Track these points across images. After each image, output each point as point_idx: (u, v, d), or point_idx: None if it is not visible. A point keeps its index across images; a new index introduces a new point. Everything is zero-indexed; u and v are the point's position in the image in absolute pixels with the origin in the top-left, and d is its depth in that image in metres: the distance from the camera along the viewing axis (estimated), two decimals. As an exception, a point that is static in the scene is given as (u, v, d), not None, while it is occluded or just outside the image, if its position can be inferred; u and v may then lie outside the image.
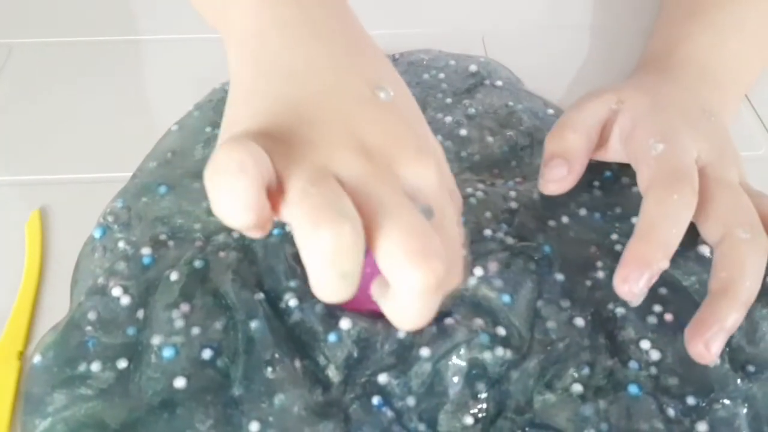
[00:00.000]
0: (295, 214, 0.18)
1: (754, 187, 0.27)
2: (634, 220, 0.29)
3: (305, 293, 0.25)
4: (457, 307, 0.25)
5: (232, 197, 0.17)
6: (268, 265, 0.26)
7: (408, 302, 0.18)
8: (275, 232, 0.27)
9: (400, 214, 0.18)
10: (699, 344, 0.22)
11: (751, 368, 0.24)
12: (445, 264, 0.18)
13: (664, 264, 0.22)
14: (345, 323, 0.24)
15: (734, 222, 0.23)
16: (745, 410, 0.23)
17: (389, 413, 0.23)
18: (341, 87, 0.21)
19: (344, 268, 0.17)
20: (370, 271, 0.23)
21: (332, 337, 0.24)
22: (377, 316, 0.25)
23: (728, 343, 0.24)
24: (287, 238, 0.27)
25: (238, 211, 0.17)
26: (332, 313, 0.24)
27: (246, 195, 0.17)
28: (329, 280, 0.18)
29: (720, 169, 0.25)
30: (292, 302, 0.25)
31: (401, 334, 0.24)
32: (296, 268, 0.26)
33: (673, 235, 0.22)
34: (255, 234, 0.19)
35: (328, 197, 0.18)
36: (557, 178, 0.26)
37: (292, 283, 0.25)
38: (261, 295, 0.25)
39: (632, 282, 0.22)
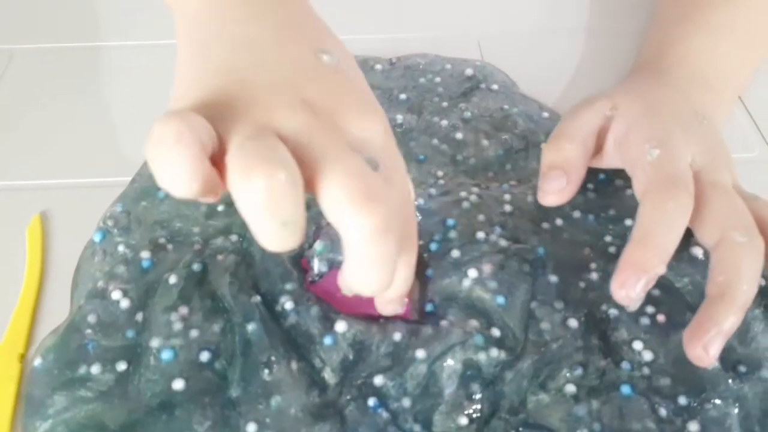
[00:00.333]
0: (230, 168, 0.18)
1: (746, 190, 0.27)
2: (628, 222, 0.29)
3: (301, 296, 0.25)
4: (451, 309, 0.26)
5: (174, 168, 0.17)
6: (264, 267, 0.26)
7: (359, 251, 0.18)
8: None
9: (341, 160, 0.18)
10: (698, 347, 0.22)
11: (742, 368, 0.25)
12: (390, 209, 0.18)
13: (661, 269, 0.22)
14: (340, 326, 0.24)
15: (730, 225, 0.23)
16: (736, 410, 0.24)
17: (385, 414, 0.24)
18: (284, 53, 0.21)
19: (283, 216, 0.17)
20: None
21: (328, 340, 0.24)
22: (372, 319, 0.25)
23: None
24: None
25: (181, 180, 0.17)
26: (327, 315, 0.25)
27: (187, 164, 0.17)
28: (270, 229, 0.17)
29: (714, 172, 0.26)
30: (288, 305, 0.25)
31: (397, 336, 0.25)
32: (293, 271, 0.26)
33: (670, 240, 0.22)
34: (207, 200, 0.18)
35: (262, 148, 0.17)
36: (556, 190, 0.26)
37: (288, 286, 0.26)
38: (258, 298, 0.25)
39: (629, 287, 0.22)
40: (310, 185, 0.18)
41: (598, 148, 0.28)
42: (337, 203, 0.18)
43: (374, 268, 0.19)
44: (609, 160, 0.28)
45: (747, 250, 0.23)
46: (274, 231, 0.17)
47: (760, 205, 0.25)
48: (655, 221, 0.23)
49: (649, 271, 0.22)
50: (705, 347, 0.22)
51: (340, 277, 0.20)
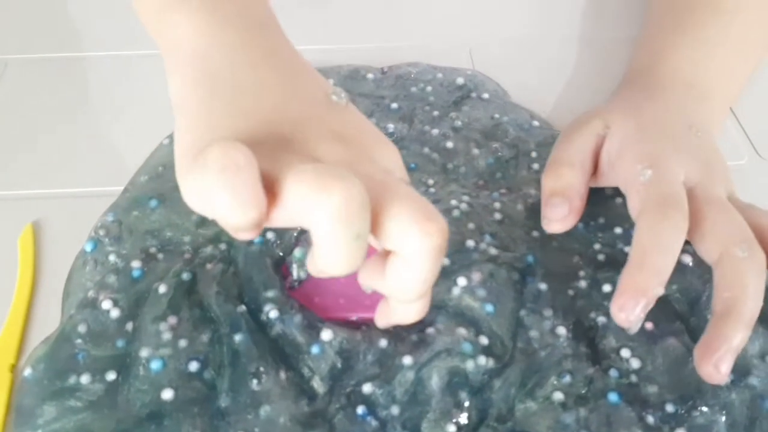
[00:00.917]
0: (299, 191, 0.17)
1: (741, 199, 0.27)
2: (617, 230, 0.29)
3: (284, 304, 0.25)
4: (440, 317, 0.26)
5: (235, 194, 0.17)
6: (247, 274, 0.26)
7: (419, 267, 0.19)
8: (256, 240, 0.27)
9: (396, 186, 0.19)
10: (709, 366, 0.22)
11: (729, 376, 0.25)
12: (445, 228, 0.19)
13: (660, 291, 0.22)
14: (326, 335, 0.25)
15: (730, 241, 0.23)
16: (723, 418, 0.24)
17: (374, 422, 0.24)
18: (300, 93, 0.22)
19: (357, 228, 0.17)
20: (344, 281, 0.23)
21: (315, 349, 0.24)
22: (353, 325, 0.25)
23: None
24: (267, 247, 0.27)
25: (242, 208, 0.17)
26: (312, 324, 0.25)
27: (248, 191, 0.17)
28: (344, 243, 0.17)
29: (709, 187, 0.26)
30: (273, 314, 0.25)
31: (383, 343, 0.25)
32: (275, 277, 0.26)
33: (667, 261, 0.23)
34: (250, 235, 0.18)
35: (327, 167, 0.18)
36: (560, 217, 0.26)
37: (270, 293, 0.26)
38: (243, 308, 0.26)
39: (629, 310, 0.22)
40: None
41: (595, 168, 0.28)
42: (403, 225, 0.18)
43: (429, 283, 0.19)
44: (605, 180, 0.28)
45: (749, 264, 0.23)
46: (348, 245, 0.17)
47: (755, 213, 0.25)
48: (651, 243, 0.23)
49: (648, 294, 0.22)
50: (716, 365, 0.22)
51: (379, 285, 0.20)
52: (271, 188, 0.18)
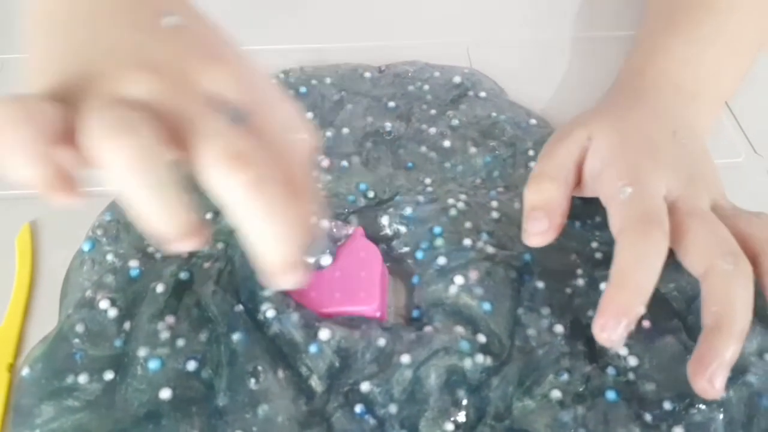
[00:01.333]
0: (90, 142, 0.17)
1: (730, 204, 0.27)
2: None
3: (281, 303, 0.25)
4: (437, 315, 0.26)
5: (9, 152, 0.17)
6: (244, 273, 0.26)
7: (243, 211, 0.18)
8: None
9: (199, 120, 0.18)
10: (702, 381, 0.22)
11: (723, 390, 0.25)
12: (263, 160, 0.18)
13: (641, 310, 0.22)
14: (324, 334, 0.25)
15: (715, 254, 0.23)
16: (721, 415, 0.24)
17: (372, 421, 0.24)
18: (121, 22, 0.21)
19: (154, 177, 0.17)
20: (340, 276, 0.23)
21: (313, 348, 0.25)
22: (351, 323, 0.25)
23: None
24: None
25: (18, 165, 0.17)
26: (310, 323, 0.25)
27: (24, 148, 0.17)
28: (146, 193, 0.17)
29: (691, 199, 0.25)
30: (270, 313, 0.25)
31: (381, 342, 0.25)
32: None
33: (648, 280, 0.23)
34: (60, 197, 0.18)
35: (117, 113, 0.17)
36: (539, 232, 0.26)
37: (267, 292, 0.26)
38: (240, 307, 0.26)
39: (611, 330, 0.22)
40: (178, 149, 0.18)
41: (579, 179, 0.28)
42: (206, 168, 0.18)
43: (265, 222, 0.18)
44: (588, 191, 0.28)
45: (736, 277, 0.23)
46: (152, 194, 0.17)
47: (742, 221, 0.25)
48: (631, 263, 0.23)
49: (630, 313, 0.22)
50: (710, 380, 0.22)
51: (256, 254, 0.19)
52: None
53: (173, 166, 0.18)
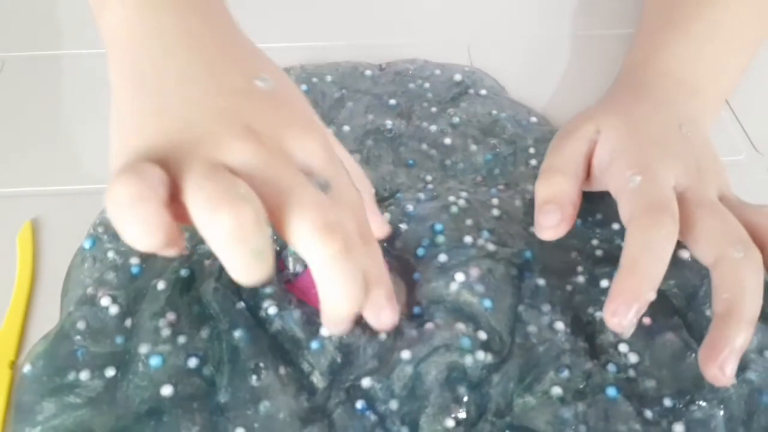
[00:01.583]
0: (194, 210, 0.18)
1: (735, 196, 0.27)
2: (614, 226, 0.29)
3: (282, 299, 0.25)
4: (438, 312, 0.26)
5: (136, 226, 0.18)
6: None
7: (329, 277, 0.20)
8: None
9: (296, 192, 0.19)
10: (714, 368, 0.22)
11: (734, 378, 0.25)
12: (348, 230, 0.20)
13: (651, 296, 0.22)
14: (326, 330, 0.25)
15: (725, 242, 0.23)
16: (721, 412, 0.24)
17: (372, 417, 0.24)
18: (219, 85, 0.21)
19: (253, 245, 0.18)
20: None
21: (315, 345, 0.25)
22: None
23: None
24: None
25: (144, 237, 0.18)
26: (311, 320, 0.25)
27: (148, 221, 0.18)
28: (241, 260, 0.18)
29: (699, 189, 0.26)
30: (272, 310, 0.25)
31: (382, 336, 0.25)
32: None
33: (658, 267, 0.23)
34: (170, 252, 0.19)
35: (221, 185, 0.18)
36: (553, 224, 0.26)
37: (268, 289, 0.26)
38: (242, 304, 0.26)
39: (621, 315, 0.22)
40: (270, 216, 0.19)
41: (587, 173, 0.28)
42: (300, 236, 0.19)
43: (345, 287, 0.20)
44: (597, 184, 0.28)
45: (746, 264, 0.23)
46: (246, 262, 0.18)
47: (748, 212, 0.25)
48: (642, 249, 0.23)
49: (640, 299, 0.22)
50: (721, 367, 0.22)
51: (321, 311, 0.21)
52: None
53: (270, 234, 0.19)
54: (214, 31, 0.23)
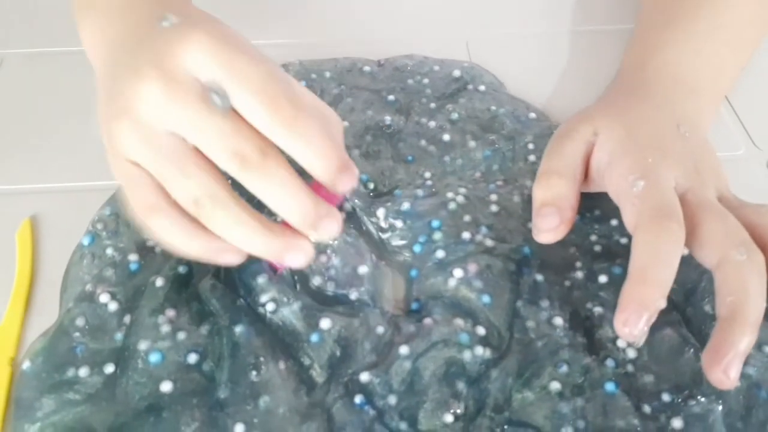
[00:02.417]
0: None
1: (734, 196, 0.27)
2: (613, 222, 0.29)
3: (280, 294, 0.25)
4: (436, 308, 0.26)
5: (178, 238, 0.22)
6: (240, 267, 0.26)
7: (258, 189, 0.22)
8: None
9: (202, 128, 0.21)
10: (718, 371, 0.22)
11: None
12: (244, 151, 0.21)
13: (662, 303, 0.22)
14: (325, 323, 0.25)
15: (728, 245, 0.23)
16: (719, 407, 0.24)
17: (371, 412, 0.24)
18: (136, 41, 0.24)
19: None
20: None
21: (314, 338, 0.25)
22: (351, 309, 0.25)
23: (703, 343, 0.24)
24: None
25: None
26: (311, 313, 0.25)
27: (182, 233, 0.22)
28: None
29: (700, 191, 0.25)
30: (270, 306, 0.25)
31: (380, 330, 0.25)
32: (264, 265, 0.26)
33: (667, 273, 0.23)
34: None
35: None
36: (551, 227, 0.26)
37: (263, 283, 0.26)
38: (241, 300, 0.26)
39: (632, 324, 0.22)
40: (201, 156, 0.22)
41: (585, 174, 0.28)
42: (222, 165, 0.22)
43: (272, 194, 0.22)
44: (595, 186, 0.28)
45: (749, 267, 0.23)
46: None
47: (748, 212, 0.25)
48: (650, 257, 0.23)
49: (650, 307, 0.22)
50: (725, 371, 0.22)
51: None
52: None
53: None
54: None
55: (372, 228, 0.29)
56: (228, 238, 0.22)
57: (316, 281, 0.26)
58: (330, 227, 0.22)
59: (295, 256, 0.22)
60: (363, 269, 0.27)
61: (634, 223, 0.24)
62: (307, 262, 0.23)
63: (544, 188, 0.26)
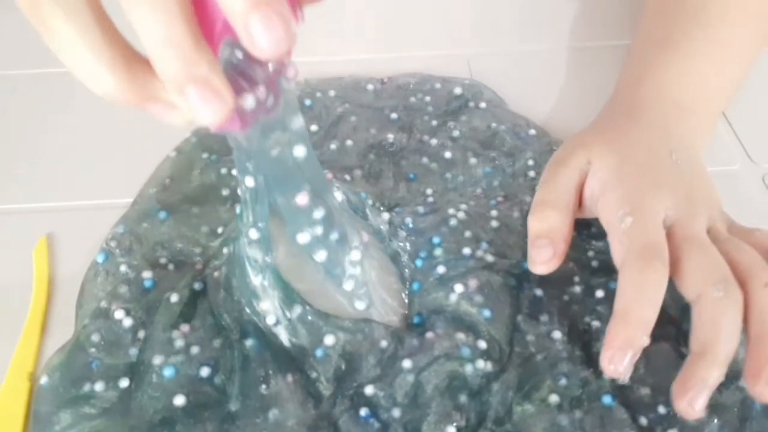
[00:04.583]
0: None
1: (724, 226, 0.27)
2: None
3: (286, 304, 0.26)
4: (438, 322, 0.27)
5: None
6: (241, 289, 0.27)
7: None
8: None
9: None
10: (683, 402, 0.23)
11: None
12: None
13: (645, 341, 0.23)
14: (329, 339, 0.26)
15: (707, 281, 0.24)
16: (715, 419, 0.25)
17: (376, 424, 0.25)
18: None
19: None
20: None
21: (319, 353, 0.26)
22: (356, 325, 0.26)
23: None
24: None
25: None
26: (316, 329, 0.26)
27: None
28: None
29: (688, 223, 0.26)
30: (270, 319, 0.26)
31: (383, 344, 0.26)
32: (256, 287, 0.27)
33: (651, 312, 0.23)
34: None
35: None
36: (545, 260, 0.26)
37: (265, 305, 0.26)
38: (250, 315, 0.27)
39: (618, 362, 0.23)
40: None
41: (580, 202, 0.29)
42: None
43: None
44: (589, 213, 0.28)
45: (725, 304, 0.24)
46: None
47: (732, 246, 0.26)
48: (634, 297, 0.24)
49: (635, 346, 0.23)
50: (690, 402, 0.23)
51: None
52: None
53: None
54: None
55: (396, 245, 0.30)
56: (58, 50, 0.16)
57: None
58: (210, 103, 0.16)
59: (160, 112, 0.17)
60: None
61: (620, 260, 0.25)
62: (183, 123, 0.17)
63: (538, 221, 0.27)
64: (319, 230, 0.24)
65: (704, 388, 0.23)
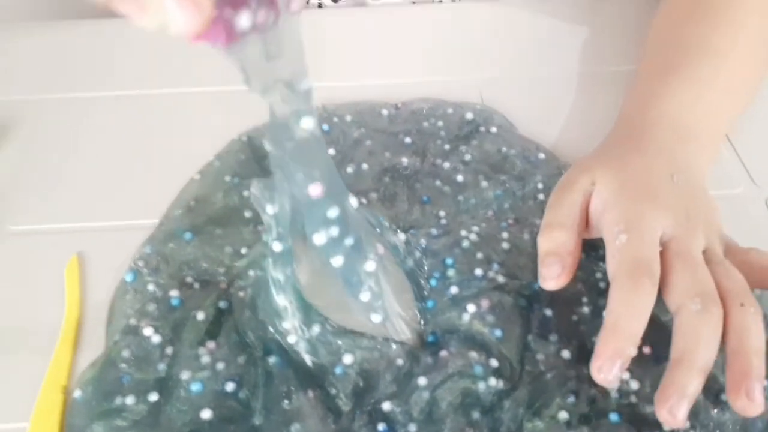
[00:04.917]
0: None
1: (720, 250, 0.28)
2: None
3: (298, 328, 0.28)
4: (452, 341, 0.28)
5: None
6: (264, 311, 0.28)
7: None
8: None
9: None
10: (663, 411, 0.24)
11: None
12: None
13: (633, 351, 0.25)
14: (347, 359, 0.27)
15: (687, 295, 0.25)
16: (718, 437, 0.26)
17: (393, 440, 0.26)
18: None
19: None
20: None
21: (338, 370, 0.27)
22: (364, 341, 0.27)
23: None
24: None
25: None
26: (335, 350, 0.27)
27: None
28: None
29: (684, 241, 0.27)
30: (291, 338, 0.27)
31: (399, 362, 0.27)
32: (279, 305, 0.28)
33: (637, 326, 0.25)
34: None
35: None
36: (554, 276, 0.28)
37: (287, 324, 0.28)
38: (273, 333, 0.28)
39: (606, 371, 0.24)
40: None
41: (587, 222, 0.30)
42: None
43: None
44: (596, 233, 0.30)
45: (703, 317, 0.25)
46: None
47: (720, 271, 0.27)
48: (622, 311, 0.25)
49: (622, 356, 0.24)
50: (670, 411, 0.24)
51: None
52: None
53: None
54: None
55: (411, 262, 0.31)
56: None
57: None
58: (184, 8, 0.16)
59: (130, 10, 0.16)
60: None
61: (612, 274, 0.26)
62: (154, 27, 0.17)
63: (547, 240, 0.28)
64: (334, 231, 0.25)
65: (683, 397, 0.24)
